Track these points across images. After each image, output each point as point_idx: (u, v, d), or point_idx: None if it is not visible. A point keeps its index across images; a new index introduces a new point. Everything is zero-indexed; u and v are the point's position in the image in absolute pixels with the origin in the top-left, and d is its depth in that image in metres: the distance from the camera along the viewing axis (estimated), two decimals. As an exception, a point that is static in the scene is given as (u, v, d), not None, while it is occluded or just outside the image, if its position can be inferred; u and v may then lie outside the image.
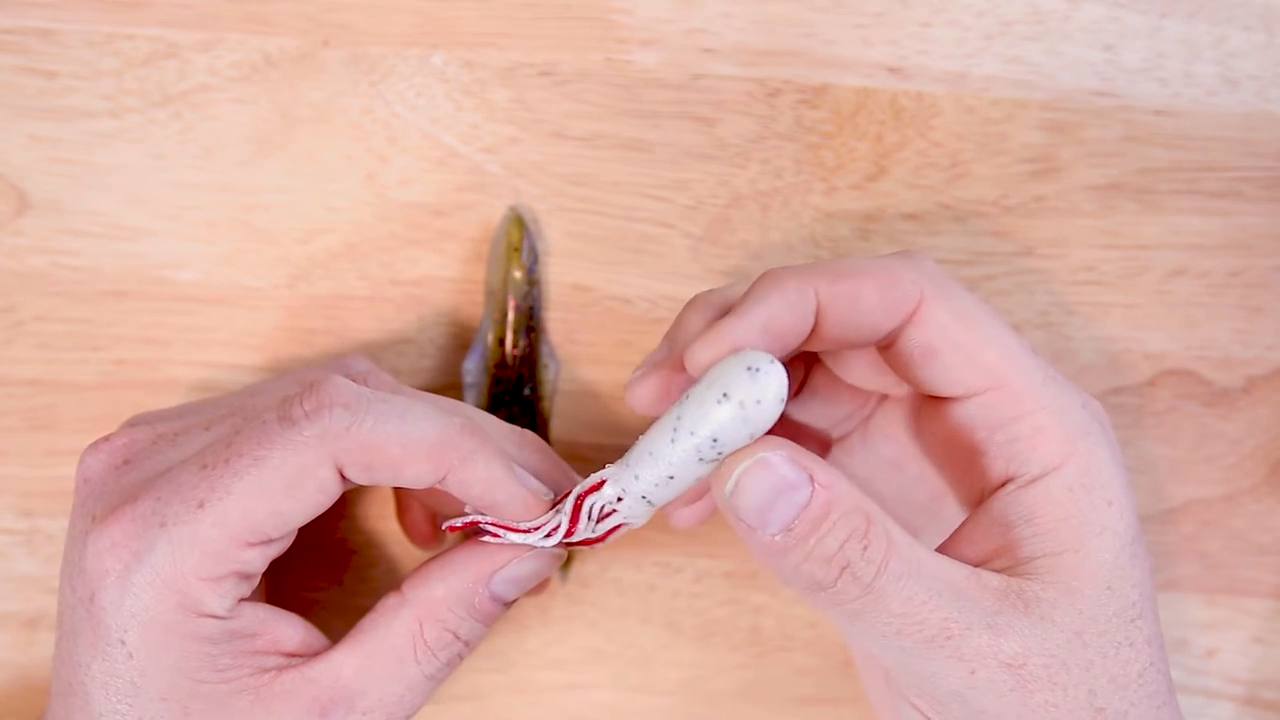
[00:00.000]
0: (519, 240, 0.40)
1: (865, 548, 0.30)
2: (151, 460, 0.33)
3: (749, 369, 0.30)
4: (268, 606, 0.33)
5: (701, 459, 0.30)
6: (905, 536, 0.30)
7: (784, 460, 0.30)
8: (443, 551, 0.34)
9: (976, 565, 0.31)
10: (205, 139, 0.40)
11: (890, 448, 0.36)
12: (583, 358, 0.41)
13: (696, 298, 0.33)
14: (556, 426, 0.41)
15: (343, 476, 0.32)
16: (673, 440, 0.30)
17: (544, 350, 0.41)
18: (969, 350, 0.31)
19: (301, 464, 0.31)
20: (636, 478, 0.31)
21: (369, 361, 0.37)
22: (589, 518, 0.32)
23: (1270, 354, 0.41)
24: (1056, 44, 0.41)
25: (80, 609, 0.32)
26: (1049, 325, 0.41)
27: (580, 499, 0.32)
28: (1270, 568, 0.42)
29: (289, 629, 0.33)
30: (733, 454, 0.30)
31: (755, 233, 0.41)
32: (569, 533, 0.33)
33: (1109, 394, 0.41)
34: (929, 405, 0.33)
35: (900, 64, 0.41)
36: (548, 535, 0.33)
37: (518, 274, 0.40)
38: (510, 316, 0.40)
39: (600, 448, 0.41)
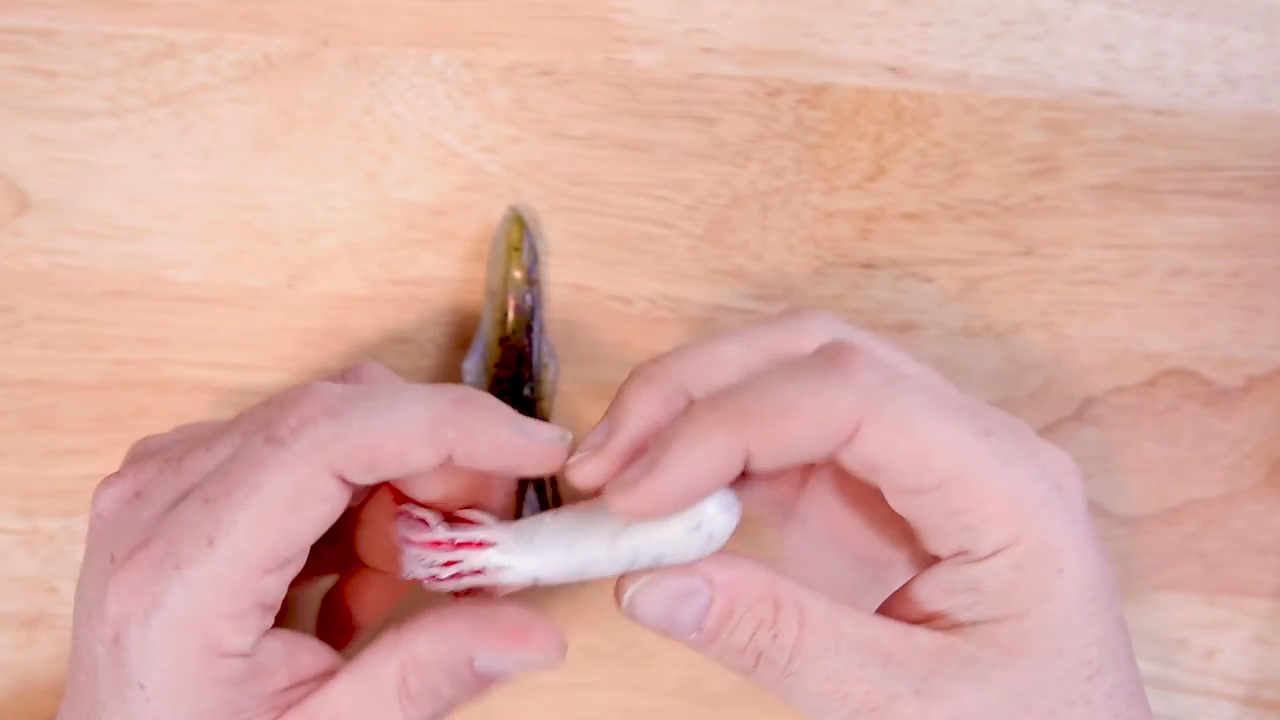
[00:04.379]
0: (519, 240, 0.40)
1: (775, 636, 0.30)
2: (161, 489, 0.33)
3: (725, 507, 0.30)
4: (287, 634, 0.33)
5: (631, 564, 0.31)
6: (824, 608, 0.30)
7: (671, 576, 0.30)
8: (445, 606, 0.33)
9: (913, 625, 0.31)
10: (205, 139, 0.40)
11: (850, 502, 0.35)
12: (583, 358, 0.41)
13: (638, 372, 0.32)
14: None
15: (345, 481, 0.32)
16: (609, 546, 0.30)
17: (544, 350, 0.41)
18: (914, 459, 0.30)
19: (298, 481, 0.31)
20: (540, 559, 0.31)
21: (380, 365, 0.36)
22: (438, 556, 0.31)
23: (1270, 354, 0.41)
24: (1057, 44, 0.41)
25: (100, 647, 0.31)
26: (1049, 325, 0.41)
27: (458, 543, 0.32)
28: (1270, 568, 0.42)
29: (308, 657, 0.33)
30: (624, 580, 0.31)
31: (755, 233, 0.41)
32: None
33: (1109, 394, 0.41)
34: (873, 487, 0.33)
35: (900, 64, 0.41)
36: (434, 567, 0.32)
37: (518, 274, 0.40)
38: (510, 316, 0.40)
39: (600, 448, 0.41)
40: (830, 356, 0.31)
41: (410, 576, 0.32)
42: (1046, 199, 0.41)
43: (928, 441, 0.30)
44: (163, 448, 0.34)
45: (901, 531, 0.34)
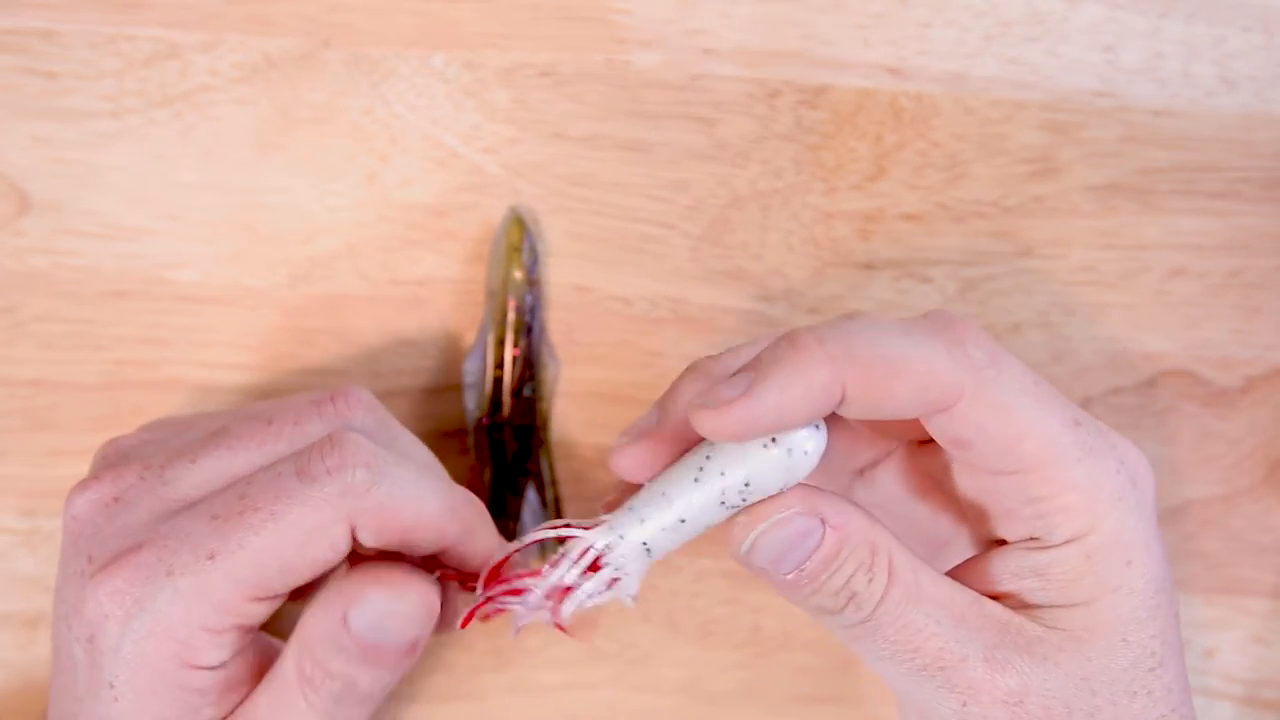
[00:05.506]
0: (519, 241, 0.40)
1: (870, 579, 0.30)
2: (144, 497, 0.33)
3: (816, 428, 0.30)
4: (261, 646, 0.33)
5: (724, 503, 0.30)
6: (909, 561, 0.30)
7: (798, 515, 0.30)
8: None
9: None
10: (206, 139, 0.41)
11: (914, 480, 0.36)
12: (583, 358, 0.41)
13: (697, 365, 0.32)
14: (556, 426, 0.41)
15: (353, 536, 0.32)
16: (697, 480, 0.30)
17: (544, 350, 0.41)
18: (1003, 443, 0.30)
19: (319, 521, 0.31)
20: (642, 521, 0.30)
21: (368, 392, 0.35)
22: (571, 561, 0.31)
23: (1269, 354, 0.42)
24: (1055, 45, 0.41)
25: (78, 647, 0.31)
26: (1049, 325, 0.41)
27: (566, 540, 0.31)
28: (1269, 567, 0.42)
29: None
30: (747, 513, 0.30)
31: (755, 233, 0.41)
32: (558, 590, 0.31)
33: (1109, 394, 0.41)
34: (952, 460, 0.33)
35: (900, 64, 0.41)
36: (538, 596, 0.31)
37: (518, 274, 0.40)
38: (510, 316, 0.40)
39: (600, 448, 0.41)
40: (944, 324, 0.31)
41: (529, 620, 0.31)
42: (1045, 200, 0.41)
43: (1022, 427, 0.30)
44: (136, 452, 0.34)
45: (962, 512, 0.34)
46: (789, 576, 0.30)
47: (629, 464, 0.31)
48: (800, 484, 0.30)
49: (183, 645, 0.31)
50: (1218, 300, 0.41)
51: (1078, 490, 0.30)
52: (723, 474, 0.30)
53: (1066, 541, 0.31)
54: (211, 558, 0.31)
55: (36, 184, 0.41)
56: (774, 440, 0.29)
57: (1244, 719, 0.42)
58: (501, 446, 0.40)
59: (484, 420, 0.40)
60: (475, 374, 0.40)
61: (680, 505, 0.30)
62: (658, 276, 0.41)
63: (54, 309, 0.41)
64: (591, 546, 0.31)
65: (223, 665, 0.32)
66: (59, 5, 0.40)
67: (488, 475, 0.41)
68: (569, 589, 0.31)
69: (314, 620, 0.32)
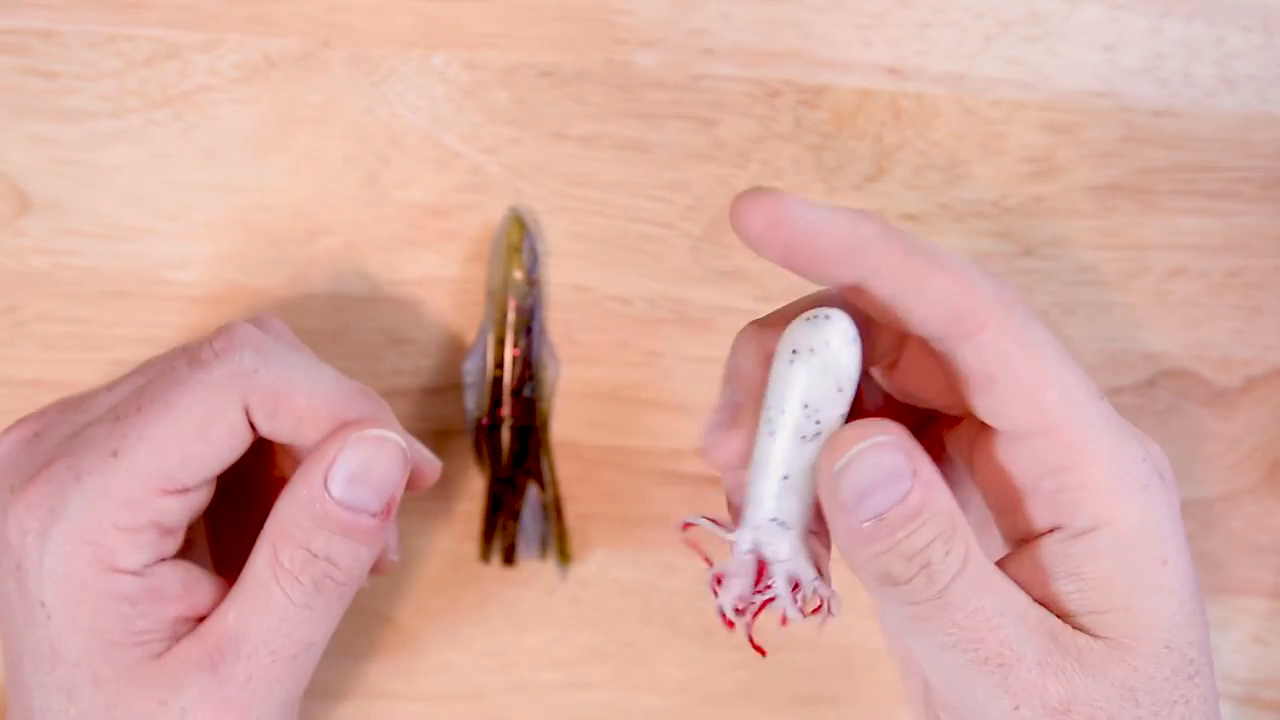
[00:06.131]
0: (519, 241, 0.40)
1: (948, 552, 0.29)
2: (60, 427, 0.33)
3: (807, 319, 0.29)
4: (187, 565, 0.33)
5: (803, 437, 0.29)
6: (978, 548, 0.30)
7: (898, 447, 0.29)
8: None
9: None
10: (206, 139, 0.41)
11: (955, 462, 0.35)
12: (583, 358, 0.41)
13: (746, 330, 0.32)
14: (556, 426, 0.41)
15: (250, 422, 0.32)
16: (771, 433, 0.29)
17: (544, 350, 0.41)
18: (1028, 386, 0.29)
19: (213, 404, 0.32)
20: (759, 503, 0.30)
21: (283, 324, 0.37)
22: (734, 572, 0.30)
23: (1269, 354, 0.42)
24: (1056, 45, 0.41)
25: (9, 580, 0.31)
26: (1049, 325, 0.41)
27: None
28: (1268, 567, 0.42)
29: (207, 589, 0.33)
30: (849, 431, 0.29)
31: (755, 233, 0.41)
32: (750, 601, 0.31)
33: (1109, 394, 0.41)
34: (982, 433, 0.32)
35: (900, 65, 0.41)
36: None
37: (518, 274, 0.40)
38: (510, 316, 0.40)
39: (600, 448, 0.41)
40: (990, 273, 0.30)
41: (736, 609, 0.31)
42: (1045, 200, 0.41)
43: (1046, 373, 0.29)
44: (71, 397, 0.35)
45: (988, 500, 0.33)
46: (866, 525, 0.28)
47: (722, 455, 0.31)
48: (901, 427, 0.29)
49: (99, 547, 0.31)
50: (1218, 300, 0.41)
51: (1099, 466, 0.30)
52: (783, 411, 0.29)
53: (1092, 529, 0.30)
54: (115, 455, 0.31)
55: (37, 184, 0.41)
56: (794, 352, 0.29)
57: (1244, 719, 0.42)
58: (501, 446, 0.40)
59: (484, 420, 0.40)
60: (475, 374, 0.40)
61: (774, 465, 0.29)
62: (658, 276, 0.41)
63: (54, 309, 0.41)
64: (752, 551, 0.30)
65: (146, 571, 0.31)
66: (59, 5, 0.40)
67: (488, 475, 0.41)
68: (767, 601, 0.30)
69: (290, 499, 0.32)
